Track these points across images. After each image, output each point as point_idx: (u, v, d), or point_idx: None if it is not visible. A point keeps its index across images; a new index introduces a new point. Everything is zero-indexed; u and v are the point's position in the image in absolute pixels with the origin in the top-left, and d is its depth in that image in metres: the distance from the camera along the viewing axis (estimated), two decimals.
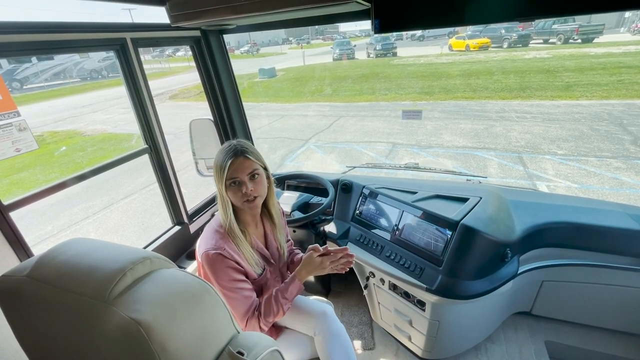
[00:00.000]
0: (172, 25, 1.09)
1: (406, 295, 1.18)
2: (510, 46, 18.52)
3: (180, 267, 0.81)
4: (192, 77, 19.20)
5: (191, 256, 1.55)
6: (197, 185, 5.05)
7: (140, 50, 1.20)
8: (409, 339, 1.31)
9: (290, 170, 1.77)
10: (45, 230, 4.49)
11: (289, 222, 1.30)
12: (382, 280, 1.24)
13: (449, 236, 1.04)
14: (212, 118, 1.65)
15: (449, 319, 1.11)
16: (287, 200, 1.42)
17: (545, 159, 5.39)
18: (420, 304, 1.13)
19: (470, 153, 5.85)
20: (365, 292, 1.36)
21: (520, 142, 6.23)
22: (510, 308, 1.34)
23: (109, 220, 4.66)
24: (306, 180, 1.61)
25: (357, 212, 1.38)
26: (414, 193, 1.26)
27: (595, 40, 17.20)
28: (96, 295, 0.48)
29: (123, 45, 1.13)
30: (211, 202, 1.78)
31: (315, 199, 1.39)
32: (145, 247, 1.38)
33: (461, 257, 1.01)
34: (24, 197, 0.99)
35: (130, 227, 4.40)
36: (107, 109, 13.32)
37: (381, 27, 0.85)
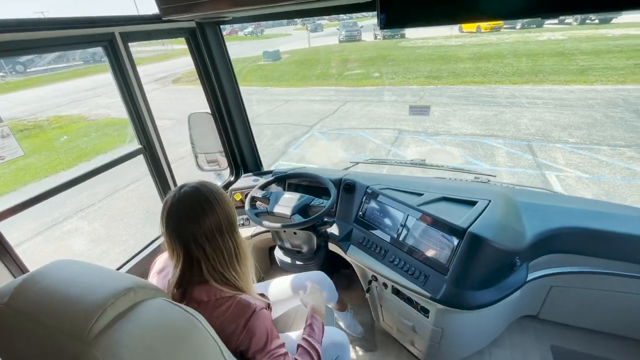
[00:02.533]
0: (163, 19, 1.01)
1: (409, 301, 1.15)
2: (524, 27, 17.80)
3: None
4: None
5: None
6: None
7: None
8: (412, 343, 1.29)
9: (291, 167, 1.71)
10: (52, 216, 4.53)
11: (289, 226, 1.26)
12: (385, 285, 1.21)
13: (456, 244, 1.00)
14: (210, 111, 1.59)
15: (453, 326, 1.08)
16: (287, 202, 1.38)
17: (556, 147, 5.24)
18: (424, 311, 1.10)
19: (478, 141, 5.72)
20: (367, 295, 1.34)
21: (531, 130, 6.06)
22: (516, 312, 1.31)
23: (113, 207, 4.68)
24: (307, 179, 1.56)
25: (360, 213, 1.33)
26: (420, 195, 1.20)
27: (614, 21, 16.44)
28: (74, 333, 0.45)
29: (111, 40, 1.06)
30: None
31: (317, 201, 1.34)
32: (144, 248, 1.35)
33: (468, 266, 0.96)
34: (10, 208, 0.95)
35: (136, 215, 4.42)
36: (110, 93, 13.22)
37: (387, 22, 0.77)
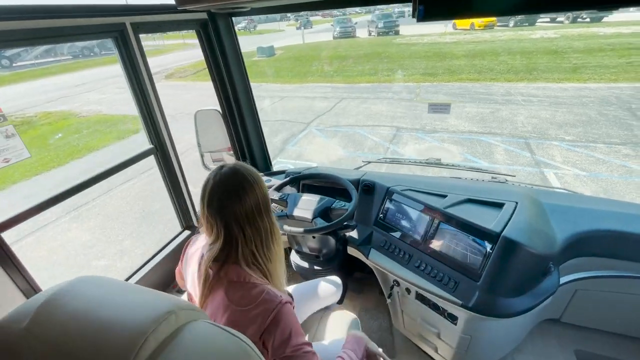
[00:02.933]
0: (178, 8, 0.95)
1: (435, 307, 1.10)
2: (517, 25, 17.93)
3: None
4: (188, 55, 18.59)
5: None
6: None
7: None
8: (435, 350, 1.25)
9: (303, 167, 1.65)
10: (44, 216, 4.39)
11: (312, 231, 1.21)
12: (408, 290, 1.17)
13: (489, 249, 0.96)
14: (218, 109, 1.52)
15: (482, 333, 1.05)
16: (306, 204, 1.31)
17: (553, 145, 5.28)
18: (452, 317, 1.06)
19: (476, 138, 5.73)
20: (389, 300, 1.29)
21: (527, 127, 6.10)
22: (539, 316, 1.28)
23: (108, 206, 4.57)
24: (324, 180, 1.50)
25: (381, 215, 1.28)
26: (444, 196, 1.16)
27: (605, 19, 16.68)
28: None
29: (122, 31, 0.98)
30: None
31: (338, 204, 1.28)
32: (154, 256, 1.29)
33: (502, 273, 0.93)
34: (16, 215, 0.88)
35: (131, 214, 4.32)
36: (101, 89, 12.93)
37: (425, 14, 0.72)
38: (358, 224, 1.36)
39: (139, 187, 4.98)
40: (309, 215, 1.26)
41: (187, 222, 1.40)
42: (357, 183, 1.39)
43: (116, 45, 1.00)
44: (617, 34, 13.51)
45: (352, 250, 1.37)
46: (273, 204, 1.40)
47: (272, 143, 6.23)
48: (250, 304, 0.74)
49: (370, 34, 21.58)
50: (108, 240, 3.81)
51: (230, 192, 0.77)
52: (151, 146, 1.16)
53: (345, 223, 1.20)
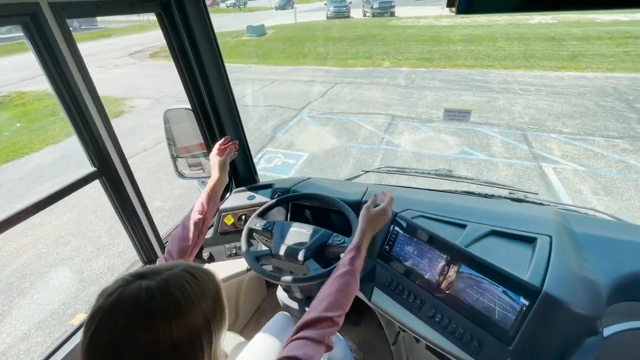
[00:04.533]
0: None
1: None
2: None
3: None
4: None
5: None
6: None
7: None
8: None
9: (295, 180, 1.40)
10: (15, 209, 4.08)
11: (301, 280, 0.97)
12: (417, 339, 0.99)
13: (525, 306, 0.77)
14: (190, 107, 1.27)
15: None
16: (296, 238, 1.07)
17: (551, 137, 5.15)
18: None
19: (472, 129, 5.56)
20: (393, 347, 1.11)
21: (525, 118, 5.95)
22: None
23: (84, 197, 4.27)
24: (319, 202, 1.24)
25: (386, 247, 1.08)
26: (463, 226, 0.96)
27: None
28: None
29: (35, 15, 0.69)
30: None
31: (335, 239, 1.05)
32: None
33: (543, 338, 0.75)
34: None
35: (110, 207, 4.04)
36: None
37: (469, 5, 0.50)
38: None
39: None
40: (299, 254, 1.02)
41: (148, 256, 1.16)
42: (357, 205, 1.16)
43: (27, 37, 0.71)
44: (616, 21, 13.31)
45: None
46: (255, 235, 1.17)
47: (262, 130, 5.95)
48: None
49: (365, 15, 20.89)
50: (83, 237, 3.56)
51: (141, 321, 0.46)
52: (93, 169, 0.91)
53: None
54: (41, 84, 10.20)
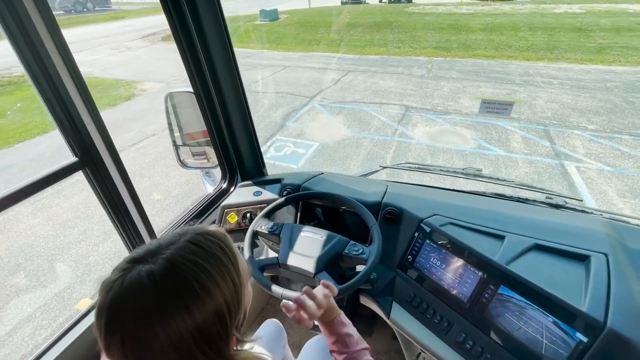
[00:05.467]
0: None
1: None
2: None
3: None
4: None
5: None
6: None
7: None
8: None
9: (306, 175, 1.27)
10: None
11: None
12: None
13: (582, 343, 0.64)
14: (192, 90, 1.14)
15: None
16: (306, 246, 0.93)
17: (574, 134, 4.89)
18: None
19: (491, 123, 5.32)
20: None
21: (547, 113, 5.67)
22: None
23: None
24: (333, 201, 1.10)
25: (409, 257, 0.95)
26: (500, 237, 0.83)
27: None
28: None
29: None
30: (207, 209, 1.31)
31: (352, 249, 0.90)
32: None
33: None
34: None
35: None
36: (94, 49, 12.18)
37: None
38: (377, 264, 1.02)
39: (126, 161, 4.64)
40: (310, 266, 0.88)
41: None
42: (377, 208, 1.03)
43: None
44: None
45: (365, 301, 1.04)
46: (261, 238, 1.06)
47: (272, 118, 5.82)
48: None
49: (381, 1, 20.23)
50: (91, 221, 3.54)
51: (153, 311, 0.41)
52: (75, 159, 0.80)
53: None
54: None
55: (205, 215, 1.25)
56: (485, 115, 5.45)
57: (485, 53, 9.54)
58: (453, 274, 0.84)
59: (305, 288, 0.67)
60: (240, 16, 17.14)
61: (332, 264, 0.91)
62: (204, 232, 0.49)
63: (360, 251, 0.91)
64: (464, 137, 5.00)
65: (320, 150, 4.70)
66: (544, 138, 4.82)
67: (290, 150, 4.76)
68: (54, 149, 5.17)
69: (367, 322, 1.40)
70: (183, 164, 1.41)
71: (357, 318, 1.34)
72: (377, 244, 0.89)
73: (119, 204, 0.88)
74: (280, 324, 1.08)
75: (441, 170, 1.23)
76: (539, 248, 0.80)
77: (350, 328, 0.70)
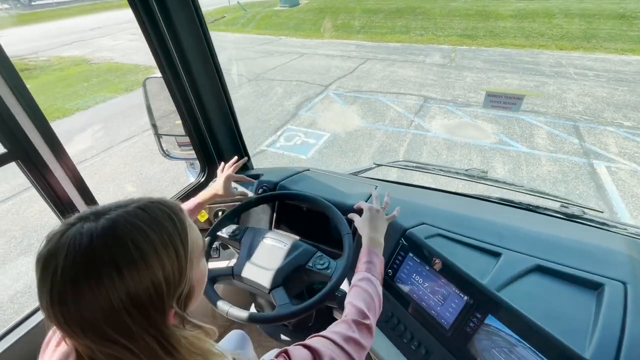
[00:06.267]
0: None
1: None
2: None
3: None
4: (206, 2, 17.38)
5: None
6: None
7: None
8: None
9: (290, 171, 1.15)
10: None
11: (261, 321, 0.75)
12: None
13: None
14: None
15: None
16: (267, 256, 0.82)
17: (608, 131, 4.51)
18: None
19: (515, 117, 4.99)
20: None
21: (578, 107, 5.26)
22: None
23: (106, 165, 4.33)
24: (308, 204, 0.98)
25: (389, 272, 0.82)
26: (496, 255, 0.70)
27: None
28: None
29: None
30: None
31: (317, 262, 0.79)
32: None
33: None
34: None
35: (127, 176, 4.07)
36: (115, 34, 12.40)
37: None
38: (353, 273, 0.90)
39: (139, 147, 4.70)
40: (266, 280, 0.77)
41: None
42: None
43: None
44: None
45: (339, 315, 0.93)
46: (222, 242, 0.96)
47: (284, 107, 5.71)
48: None
49: None
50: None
51: (82, 269, 0.39)
52: (4, 151, 0.71)
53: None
54: (78, 49, 10.50)
55: None
56: (491, 108, 5.13)
57: (514, 42, 8.98)
58: (436, 295, 0.72)
59: None
60: (259, 1, 16.94)
61: (292, 278, 0.80)
62: (157, 200, 0.48)
63: (326, 265, 0.80)
64: (484, 131, 4.73)
65: (331, 141, 4.57)
66: (572, 134, 4.48)
67: (300, 140, 4.66)
68: (72, 132, 5.30)
69: (324, 318, 1.25)
70: (166, 154, 1.34)
71: (319, 316, 1.20)
72: (345, 258, 0.77)
73: (62, 198, 0.81)
74: (245, 335, 1.00)
75: (441, 170, 1.09)
76: (541, 270, 0.67)
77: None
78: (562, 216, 0.95)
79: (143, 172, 4.15)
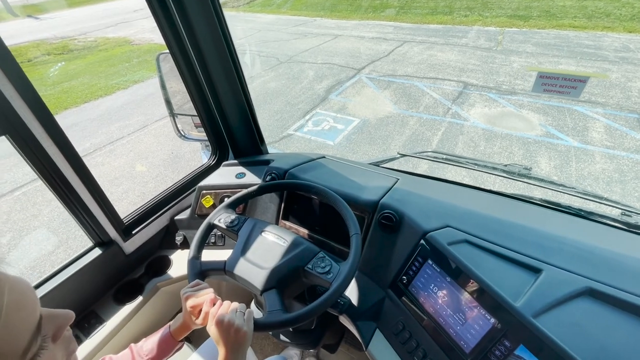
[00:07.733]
0: None
1: None
2: None
3: None
4: None
5: (125, 294, 1.03)
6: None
7: None
8: None
9: (301, 159, 1.05)
10: (83, 147, 4.49)
11: (271, 326, 0.62)
12: None
13: None
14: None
15: None
16: (264, 254, 0.75)
17: None
18: None
19: (566, 107, 4.52)
20: None
21: None
22: None
23: (140, 143, 4.50)
24: (317, 196, 0.86)
25: (403, 278, 0.73)
26: (536, 271, 0.57)
27: None
28: None
29: None
30: (186, 189, 1.19)
31: (318, 264, 0.70)
32: (56, 273, 0.92)
33: None
34: None
35: (160, 154, 4.21)
36: None
37: None
38: (365, 277, 0.81)
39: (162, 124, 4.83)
40: (259, 280, 0.70)
41: (100, 236, 0.95)
42: (372, 209, 0.80)
43: None
44: None
45: (344, 322, 0.83)
46: (220, 232, 0.89)
47: (315, 90, 5.58)
48: None
49: None
50: (134, 181, 3.76)
51: None
52: None
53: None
54: (122, 31, 10.94)
55: (182, 196, 1.13)
56: (542, 95, 4.62)
57: (574, 23, 8.07)
58: (457, 312, 0.61)
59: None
60: None
61: (288, 280, 0.71)
62: None
63: (327, 269, 0.70)
64: (529, 122, 4.32)
65: (361, 127, 4.41)
66: (635, 129, 3.97)
67: (328, 125, 4.54)
68: (112, 110, 5.57)
69: (333, 337, 1.16)
70: (182, 135, 1.30)
71: (331, 327, 1.11)
72: (350, 263, 0.67)
73: (54, 173, 0.78)
74: None
75: (476, 164, 0.94)
76: (592, 294, 0.53)
77: None
78: (623, 226, 0.79)
79: (174, 151, 4.26)
